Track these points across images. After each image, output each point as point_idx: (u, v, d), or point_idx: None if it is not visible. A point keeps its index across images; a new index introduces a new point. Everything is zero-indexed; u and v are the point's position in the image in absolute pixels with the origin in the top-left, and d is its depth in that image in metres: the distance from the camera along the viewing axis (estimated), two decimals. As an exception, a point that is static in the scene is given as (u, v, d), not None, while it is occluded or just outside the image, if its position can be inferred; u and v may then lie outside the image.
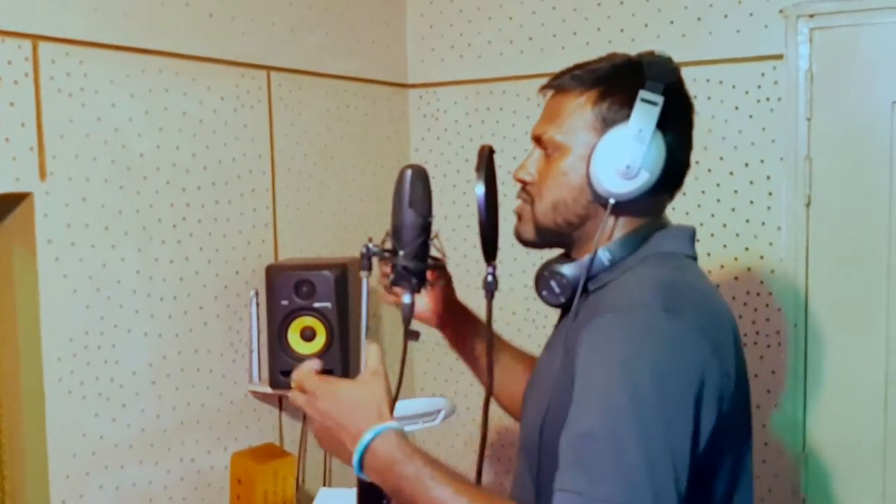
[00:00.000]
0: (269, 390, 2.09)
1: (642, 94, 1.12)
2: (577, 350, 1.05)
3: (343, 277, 2.02)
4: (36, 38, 1.66)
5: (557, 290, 1.18)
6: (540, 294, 1.21)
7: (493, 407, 1.43)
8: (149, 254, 1.89)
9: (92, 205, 1.77)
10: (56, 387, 1.72)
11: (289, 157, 2.26)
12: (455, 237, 2.52)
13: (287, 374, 2.03)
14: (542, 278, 1.20)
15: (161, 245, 1.92)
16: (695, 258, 1.22)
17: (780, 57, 2.11)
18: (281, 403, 2.24)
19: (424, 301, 1.41)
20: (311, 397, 1.12)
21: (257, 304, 2.14)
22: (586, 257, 1.16)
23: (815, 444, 2.13)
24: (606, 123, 1.14)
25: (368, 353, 1.13)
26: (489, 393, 1.23)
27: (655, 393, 0.98)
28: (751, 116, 2.16)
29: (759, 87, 2.14)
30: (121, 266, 1.84)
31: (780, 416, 2.16)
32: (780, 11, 2.10)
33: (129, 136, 1.84)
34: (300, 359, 2.02)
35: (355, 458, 1.06)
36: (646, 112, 1.11)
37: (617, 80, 1.16)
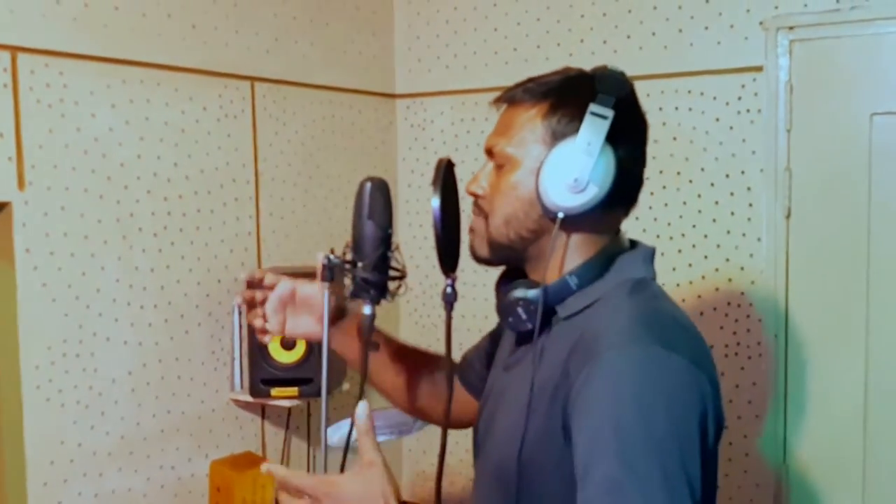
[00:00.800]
0: (250, 399, 2.10)
1: (592, 107, 1.10)
2: (575, 395, 1.04)
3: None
4: (15, 49, 1.68)
5: (524, 316, 1.14)
6: (505, 321, 1.17)
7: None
8: (129, 262, 1.91)
9: (71, 214, 1.79)
10: (34, 394, 1.73)
11: (273, 166, 2.27)
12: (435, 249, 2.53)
13: (267, 382, 2.05)
14: (507, 305, 1.16)
15: (142, 254, 1.94)
16: (654, 278, 1.21)
17: (760, 69, 2.12)
18: (264, 412, 2.25)
19: (309, 322, 1.38)
20: (314, 503, 1.06)
21: (240, 313, 2.15)
22: (554, 283, 1.14)
23: (796, 454, 2.13)
24: (556, 136, 1.13)
25: (361, 443, 1.07)
26: (448, 409, 1.21)
27: (670, 431, 0.99)
28: (731, 128, 2.16)
29: (739, 98, 2.15)
30: (100, 275, 1.85)
31: (761, 427, 2.16)
32: (761, 23, 2.11)
33: (109, 146, 1.86)
34: (280, 367, 2.04)
35: None
36: (595, 125, 1.10)
37: (567, 93, 1.15)
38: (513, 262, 1.22)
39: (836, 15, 2.02)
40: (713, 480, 1.15)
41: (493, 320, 1.27)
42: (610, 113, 1.10)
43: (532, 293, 1.13)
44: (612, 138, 1.11)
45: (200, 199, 2.07)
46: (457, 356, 1.39)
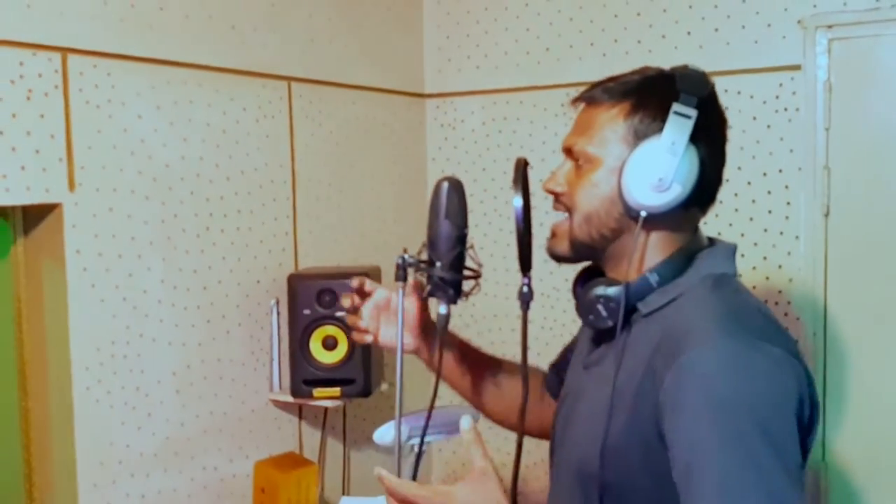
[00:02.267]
0: (289, 399, 2.10)
1: (675, 106, 1.11)
2: (666, 391, 1.04)
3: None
4: (65, 51, 1.68)
5: (605, 314, 1.14)
6: (585, 318, 1.17)
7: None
8: (173, 263, 1.91)
9: (118, 215, 1.79)
10: (84, 396, 1.73)
11: (309, 166, 2.27)
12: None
13: (309, 383, 2.05)
14: (588, 302, 1.15)
15: (185, 255, 1.94)
16: (736, 274, 1.21)
17: (798, 67, 2.12)
18: (301, 412, 2.25)
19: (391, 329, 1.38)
20: None
21: (278, 313, 2.15)
22: (635, 281, 1.14)
23: (836, 453, 2.14)
24: (638, 136, 1.14)
25: (472, 453, 1.08)
26: (524, 405, 1.21)
27: (777, 422, 1.00)
28: (769, 126, 2.17)
29: (777, 97, 2.16)
30: (146, 275, 1.85)
31: (798, 425, 2.17)
32: (799, 22, 2.11)
33: (154, 147, 1.86)
34: (322, 368, 2.04)
35: None
36: (679, 125, 1.10)
37: (649, 93, 1.15)
38: (591, 259, 1.23)
39: (876, 14, 2.03)
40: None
41: (558, 321, 1.29)
42: (693, 112, 1.11)
43: (613, 290, 1.14)
44: (695, 137, 1.12)
45: (240, 200, 2.07)
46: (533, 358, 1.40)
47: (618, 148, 1.15)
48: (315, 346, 2.04)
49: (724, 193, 2.23)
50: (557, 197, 1.21)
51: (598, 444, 1.11)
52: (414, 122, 2.68)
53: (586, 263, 1.28)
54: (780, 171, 2.17)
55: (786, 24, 2.13)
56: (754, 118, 2.18)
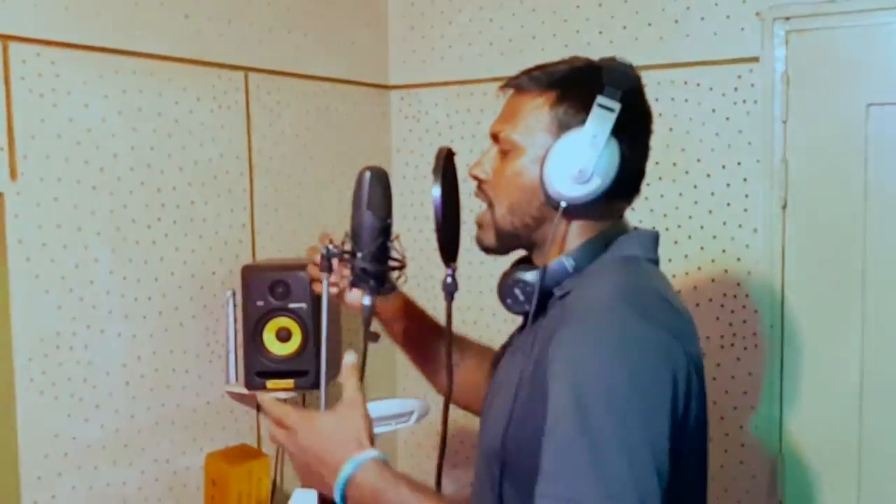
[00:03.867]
0: (245, 391, 2.08)
1: (599, 99, 1.11)
2: (548, 362, 1.04)
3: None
4: (7, 39, 1.66)
5: (521, 297, 1.16)
6: (504, 302, 1.19)
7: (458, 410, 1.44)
8: (122, 254, 1.89)
9: (64, 205, 1.77)
10: (27, 387, 1.72)
11: (267, 157, 2.26)
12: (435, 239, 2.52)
13: (263, 374, 2.04)
14: (506, 286, 1.18)
15: (135, 245, 1.92)
16: (657, 262, 1.21)
17: (756, 59, 2.11)
18: (258, 404, 2.24)
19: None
20: (290, 433, 1.10)
21: (234, 305, 2.14)
22: (551, 265, 1.15)
23: (792, 445, 2.14)
24: (562, 127, 1.14)
25: (346, 383, 1.10)
26: (448, 396, 1.22)
27: (631, 397, 0.98)
28: (727, 119, 2.16)
29: (735, 89, 2.15)
30: (94, 266, 1.84)
31: (757, 418, 2.17)
32: (757, 14, 2.10)
33: (102, 137, 1.84)
34: (276, 359, 2.03)
35: (337, 493, 1.05)
36: (602, 118, 1.11)
37: (575, 84, 1.16)
38: (518, 248, 1.23)
39: (833, 5, 2.02)
40: (700, 460, 1.15)
41: (491, 313, 1.29)
42: (617, 106, 1.11)
43: (529, 275, 1.15)
44: (617, 131, 1.12)
45: (194, 191, 2.06)
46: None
47: (542, 137, 1.15)
48: (268, 338, 2.03)
49: (683, 186, 2.26)
50: (480, 184, 1.21)
51: (503, 424, 1.12)
52: (378, 114, 2.66)
53: (520, 254, 1.28)
54: (739, 163, 2.16)
55: (744, 16, 2.12)
56: (713, 110, 2.17)
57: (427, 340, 1.49)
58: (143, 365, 1.95)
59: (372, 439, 1.07)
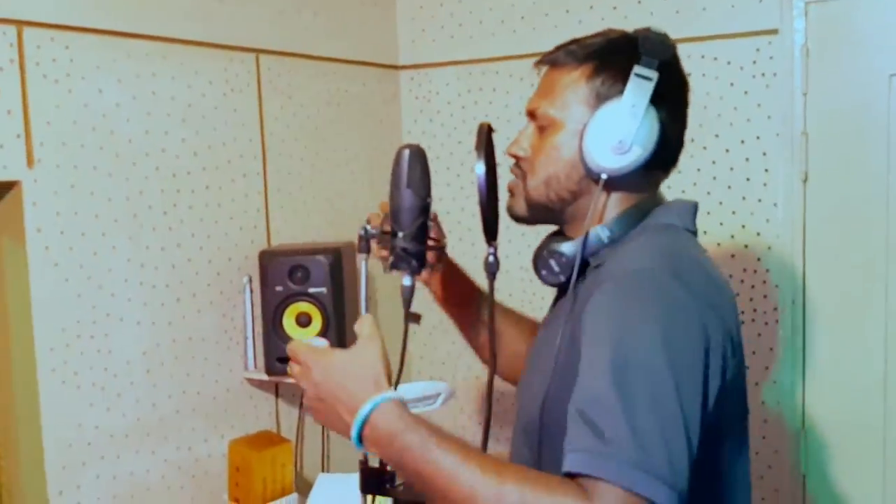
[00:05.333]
0: (264, 377, 2.07)
1: (637, 69, 1.11)
2: (583, 322, 1.03)
3: (337, 262, 2.00)
4: (21, 24, 1.63)
5: (557, 268, 1.16)
6: (539, 273, 1.19)
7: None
8: (140, 241, 1.87)
9: (81, 192, 1.75)
10: (50, 377, 1.70)
11: (279, 140, 2.23)
12: (449, 219, 2.50)
13: (283, 360, 2.02)
14: (541, 258, 1.18)
15: (152, 232, 1.90)
16: (695, 233, 1.20)
17: (775, 32, 2.09)
18: (277, 390, 2.22)
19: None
20: (304, 369, 1.06)
21: (251, 291, 2.12)
22: (590, 234, 1.15)
23: (814, 420, 2.13)
24: (600, 98, 1.13)
25: (362, 321, 1.06)
26: (492, 371, 1.21)
27: (663, 356, 0.97)
28: (746, 92, 2.14)
29: (754, 62, 2.12)
30: (112, 254, 1.81)
31: (778, 393, 2.16)
32: (775, -15, 2.08)
33: (117, 122, 1.81)
34: (296, 345, 2.01)
35: (354, 433, 1.01)
36: (640, 87, 1.10)
37: (611, 56, 1.15)
38: (550, 221, 1.22)
39: (853, -25, 1.99)
40: (737, 414, 1.14)
41: (530, 292, 1.28)
42: (654, 75, 1.11)
43: (565, 246, 1.14)
44: (656, 100, 1.12)
45: (209, 175, 2.03)
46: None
47: (579, 110, 1.14)
48: (288, 323, 2.01)
49: (702, 161, 2.24)
50: (518, 161, 1.20)
51: (541, 395, 1.11)
52: (388, 95, 2.63)
53: (553, 228, 1.27)
54: (758, 137, 2.14)
55: (762, -12, 2.10)
56: (731, 84, 2.15)
57: (468, 303, 1.48)
58: (163, 353, 1.93)
59: (390, 379, 1.04)
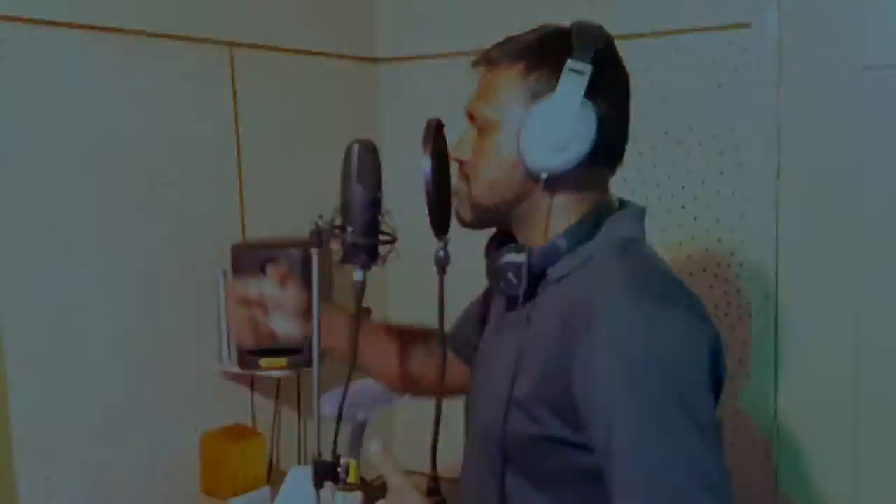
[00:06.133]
0: (238, 370, 2.07)
1: (569, 63, 1.07)
2: (582, 358, 1.02)
3: (310, 256, 1.99)
4: (-15, 17, 1.62)
5: (515, 281, 1.12)
6: (497, 286, 1.15)
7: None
8: (112, 235, 1.87)
9: (49, 184, 1.74)
10: (18, 368, 1.70)
11: (254, 135, 2.22)
12: (425, 215, 2.49)
13: (255, 353, 2.02)
14: (499, 270, 1.14)
15: (124, 226, 1.90)
16: (644, 238, 1.19)
17: (748, 25, 2.08)
18: (253, 383, 2.23)
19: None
20: None
21: (225, 284, 2.11)
22: (543, 246, 1.12)
23: (787, 413, 2.14)
24: (534, 96, 1.10)
25: (385, 473, 1.04)
26: (441, 376, 1.18)
27: (685, 382, 0.99)
28: (719, 86, 2.13)
29: (727, 55, 2.12)
30: (83, 248, 1.81)
31: (751, 386, 2.16)
32: (748, -22, 2.07)
33: (82, 115, 1.81)
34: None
35: None
36: (573, 82, 1.07)
37: (544, 51, 1.12)
38: (498, 224, 1.20)
39: (826, -32, 1.99)
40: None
41: (482, 284, 1.27)
42: (588, 68, 1.07)
43: (523, 257, 1.11)
44: (592, 94, 1.08)
45: (181, 170, 2.03)
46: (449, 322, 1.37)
47: (516, 110, 1.11)
48: (260, 317, 2.00)
49: (675, 154, 2.24)
50: (461, 165, 1.19)
51: (502, 410, 1.10)
52: (367, 87, 2.63)
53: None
54: (731, 131, 2.13)
55: (735, -19, 2.09)
56: (705, 78, 2.15)
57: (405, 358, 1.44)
58: (135, 346, 1.93)
59: None
